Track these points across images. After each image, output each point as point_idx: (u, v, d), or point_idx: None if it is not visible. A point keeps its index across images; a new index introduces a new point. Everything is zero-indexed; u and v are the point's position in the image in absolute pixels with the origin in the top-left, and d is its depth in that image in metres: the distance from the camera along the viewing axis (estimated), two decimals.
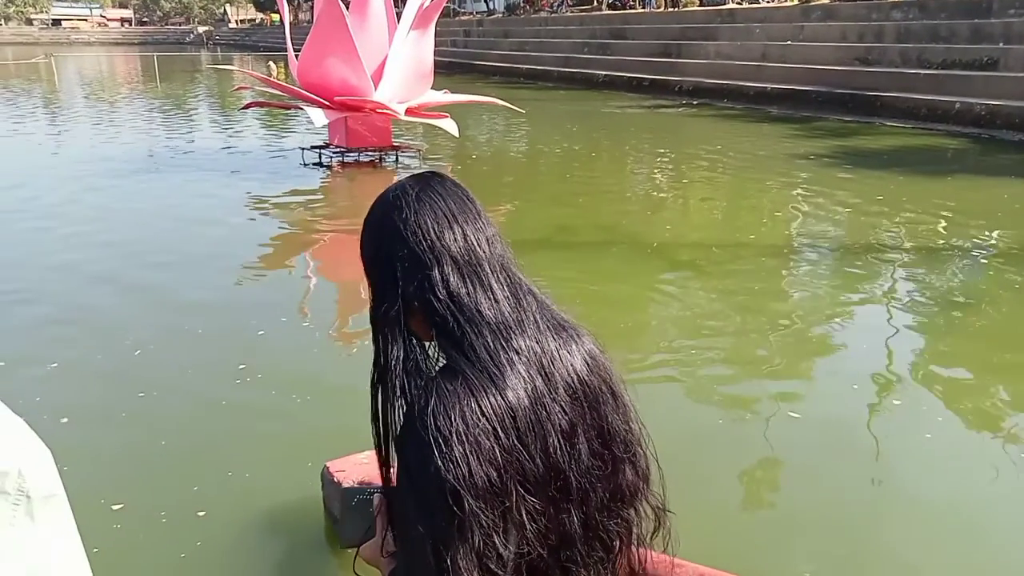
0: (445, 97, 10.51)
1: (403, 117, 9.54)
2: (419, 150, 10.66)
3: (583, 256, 6.03)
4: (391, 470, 0.99)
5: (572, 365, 0.96)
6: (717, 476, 2.97)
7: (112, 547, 2.46)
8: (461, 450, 0.85)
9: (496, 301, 0.94)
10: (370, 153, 9.87)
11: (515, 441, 0.88)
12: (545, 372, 0.93)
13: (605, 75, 21.47)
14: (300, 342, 4.33)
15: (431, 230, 0.94)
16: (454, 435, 0.85)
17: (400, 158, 10.10)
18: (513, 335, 0.92)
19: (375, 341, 0.97)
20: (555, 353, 0.95)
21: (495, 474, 0.86)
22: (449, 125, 9.91)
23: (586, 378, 0.97)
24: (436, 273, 0.93)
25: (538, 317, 0.97)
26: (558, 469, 0.92)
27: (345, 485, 1.10)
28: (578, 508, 0.96)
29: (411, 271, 0.94)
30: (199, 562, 2.47)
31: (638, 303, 5.05)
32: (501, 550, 0.87)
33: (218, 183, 8.87)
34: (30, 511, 0.73)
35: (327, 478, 2.58)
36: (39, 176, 9.25)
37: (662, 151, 11.71)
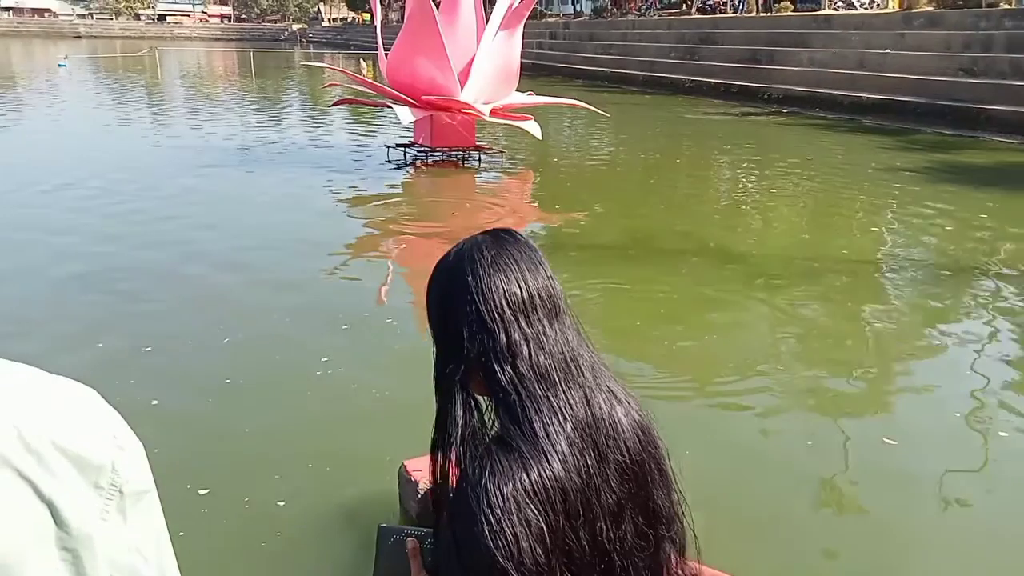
0: (529, 99, 10.51)
1: (487, 118, 9.59)
2: (501, 151, 10.70)
3: (663, 264, 5.91)
4: (442, 529, 1.00)
5: (625, 442, 0.96)
6: (806, 501, 2.86)
7: (198, 531, 2.54)
8: (512, 530, 0.85)
9: (557, 374, 0.93)
10: (454, 153, 9.96)
11: (563, 523, 0.88)
12: (599, 451, 0.93)
13: (691, 80, 21.10)
14: (382, 338, 4.39)
15: (503, 296, 0.94)
16: (505, 513, 0.85)
17: (483, 159, 10.16)
18: (568, 414, 0.92)
19: (438, 401, 0.98)
20: (609, 430, 0.95)
21: (542, 555, 0.86)
22: (532, 127, 9.91)
23: (637, 457, 0.97)
24: (503, 340, 0.92)
25: (595, 390, 0.96)
26: (604, 551, 0.93)
27: (383, 524, 1.12)
28: None
29: (478, 335, 0.93)
30: (279, 552, 2.52)
31: (721, 315, 4.91)
32: None
33: (306, 178, 9.10)
34: (122, 507, 0.72)
35: (404, 476, 2.60)
36: (142, 164, 9.69)
37: (748, 160, 11.42)
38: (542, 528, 0.86)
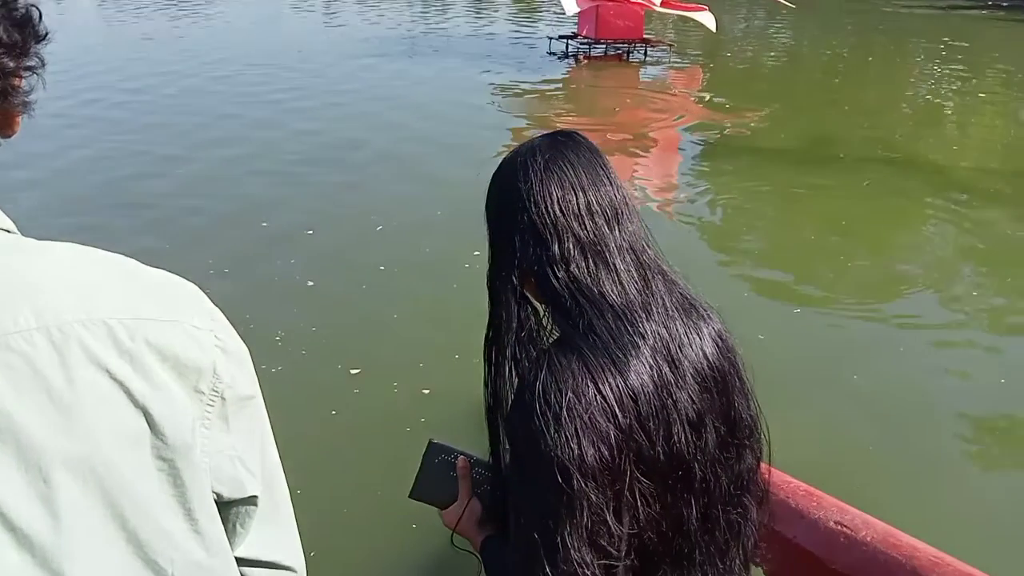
0: None
1: (658, 8, 9.00)
2: (670, 45, 10.05)
3: (843, 172, 5.38)
4: (499, 439, 0.98)
5: (702, 349, 0.92)
6: (978, 442, 2.55)
7: (349, 410, 2.63)
8: (572, 427, 0.82)
9: (620, 283, 0.90)
10: (618, 45, 9.47)
11: (634, 423, 0.85)
12: (673, 359, 0.90)
13: None
14: None
15: (555, 203, 0.91)
16: (564, 411, 0.83)
17: (649, 52, 9.60)
18: (638, 319, 0.88)
19: (490, 304, 0.96)
20: (683, 338, 0.91)
21: (607, 454, 0.83)
22: (706, 18, 9.19)
23: (716, 363, 0.93)
24: (556, 249, 0.90)
25: (666, 299, 0.92)
26: (681, 459, 0.89)
27: (435, 440, 1.09)
28: (699, 499, 0.93)
29: (530, 242, 0.91)
30: (422, 439, 2.55)
31: (905, 233, 4.43)
32: (613, 528, 0.84)
33: (467, 68, 9.01)
34: (224, 414, 0.66)
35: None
36: (313, 50, 9.97)
37: (953, 61, 10.07)
38: (607, 428, 0.83)
